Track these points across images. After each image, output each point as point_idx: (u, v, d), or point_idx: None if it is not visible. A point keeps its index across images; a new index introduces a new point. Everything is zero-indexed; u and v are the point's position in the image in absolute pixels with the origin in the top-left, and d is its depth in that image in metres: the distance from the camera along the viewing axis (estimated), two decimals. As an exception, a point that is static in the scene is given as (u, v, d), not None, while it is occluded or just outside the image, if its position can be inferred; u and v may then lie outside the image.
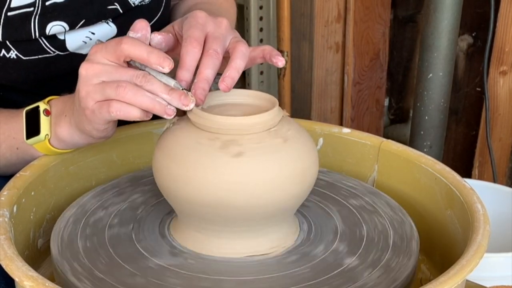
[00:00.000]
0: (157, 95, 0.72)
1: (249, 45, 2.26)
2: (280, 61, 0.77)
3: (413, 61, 1.99)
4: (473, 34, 1.80)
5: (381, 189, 0.89)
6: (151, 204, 0.83)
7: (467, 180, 1.20)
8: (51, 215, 0.85)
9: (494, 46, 1.64)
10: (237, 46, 0.75)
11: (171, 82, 0.72)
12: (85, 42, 0.93)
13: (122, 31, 0.95)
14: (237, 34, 0.79)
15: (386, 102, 2.07)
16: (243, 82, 2.33)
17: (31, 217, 0.81)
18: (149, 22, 0.96)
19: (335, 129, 0.96)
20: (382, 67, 1.93)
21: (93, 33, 0.93)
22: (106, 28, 0.95)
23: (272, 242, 0.75)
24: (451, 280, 0.63)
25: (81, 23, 0.91)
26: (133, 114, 0.72)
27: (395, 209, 0.83)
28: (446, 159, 1.85)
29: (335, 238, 0.77)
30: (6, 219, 0.72)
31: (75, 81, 0.78)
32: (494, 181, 1.66)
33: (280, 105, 0.75)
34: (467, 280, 0.76)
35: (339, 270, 0.72)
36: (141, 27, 0.75)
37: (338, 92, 1.94)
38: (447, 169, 0.84)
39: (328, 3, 1.83)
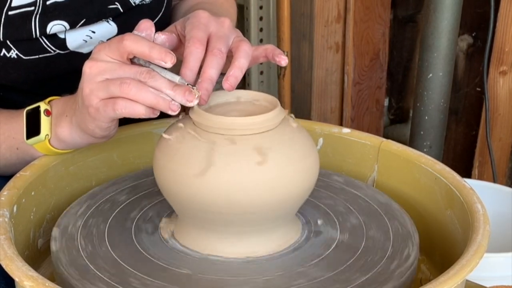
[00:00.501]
0: (161, 91, 0.72)
1: (249, 45, 2.19)
2: (283, 60, 0.77)
3: (413, 61, 1.99)
4: (473, 34, 1.80)
5: (381, 189, 0.89)
6: (151, 204, 0.83)
7: (467, 180, 1.20)
8: (51, 215, 0.85)
9: (494, 46, 1.64)
10: (240, 45, 0.75)
11: (176, 78, 0.72)
12: (86, 41, 0.93)
13: (122, 30, 0.95)
14: (240, 34, 0.79)
15: (386, 102, 2.07)
16: (243, 82, 2.32)
17: (31, 217, 0.81)
18: None
19: (335, 129, 0.96)
20: (382, 67, 1.93)
21: (93, 32, 0.93)
22: (107, 27, 0.95)
23: (273, 242, 0.75)
24: (451, 280, 0.63)
25: (81, 22, 0.91)
26: (138, 111, 0.72)
27: (395, 209, 0.83)
28: (446, 159, 1.85)
29: (335, 238, 0.77)
30: (6, 219, 0.72)
31: (75, 81, 0.78)
32: (494, 181, 1.66)
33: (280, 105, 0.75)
34: (467, 280, 0.76)
35: (339, 270, 0.72)
36: (145, 27, 0.75)
37: (338, 92, 1.94)
38: (447, 169, 0.84)
39: (328, 3, 1.83)
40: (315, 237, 0.77)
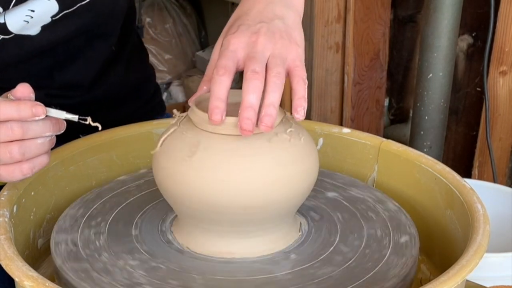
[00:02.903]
0: (43, 136, 0.72)
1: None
2: (299, 114, 0.72)
3: (413, 61, 2.00)
4: (473, 34, 1.80)
5: (381, 189, 0.89)
6: (151, 204, 0.83)
7: (467, 180, 1.20)
8: (51, 215, 0.85)
9: (494, 46, 1.64)
10: (293, 73, 0.73)
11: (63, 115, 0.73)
12: (27, 22, 0.90)
13: (63, 5, 0.91)
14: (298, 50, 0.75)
15: (386, 102, 2.07)
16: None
17: (31, 217, 0.81)
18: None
19: (335, 129, 0.96)
20: (382, 67, 1.93)
21: (32, 11, 0.89)
22: (46, 4, 0.90)
23: (272, 242, 0.75)
24: (451, 280, 0.63)
25: (13, 1, 0.87)
26: (45, 162, 0.73)
27: (394, 209, 0.83)
28: (446, 159, 1.85)
29: (335, 239, 0.77)
30: (6, 219, 0.72)
31: (29, 70, 0.75)
32: (494, 181, 1.66)
33: (280, 105, 0.75)
34: (467, 280, 0.76)
35: (338, 270, 0.72)
36: (22, 92, 0.73)
37: (338, 92, 1.94)
38: (447, 169, 0.84)
39: (328, 3, 1.83)
40: (314, 237, 0.77)
